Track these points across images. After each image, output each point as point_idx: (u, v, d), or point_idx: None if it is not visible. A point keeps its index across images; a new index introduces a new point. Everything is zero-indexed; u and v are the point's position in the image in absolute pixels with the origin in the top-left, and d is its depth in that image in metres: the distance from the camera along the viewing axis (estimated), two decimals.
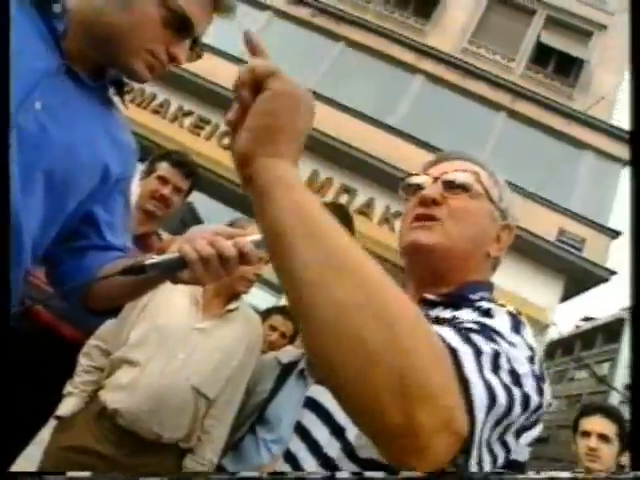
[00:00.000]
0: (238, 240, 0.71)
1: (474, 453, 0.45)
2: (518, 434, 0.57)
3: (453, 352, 0.45)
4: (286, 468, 0.73)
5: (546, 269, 7.36)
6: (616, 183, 8.36)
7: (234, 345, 1.66)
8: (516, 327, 0.60)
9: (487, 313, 0.63)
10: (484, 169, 0.84)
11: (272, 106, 0.46)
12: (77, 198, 0.86)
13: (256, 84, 0.47)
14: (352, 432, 0.66)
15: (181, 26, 0.83)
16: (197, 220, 7.39)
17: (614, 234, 7.80)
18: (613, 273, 7.50)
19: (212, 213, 7.27)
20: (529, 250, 6.85)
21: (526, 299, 6.56)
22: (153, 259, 0.71)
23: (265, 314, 2.58)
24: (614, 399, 22.75)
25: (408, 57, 9.03)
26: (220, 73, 8.12)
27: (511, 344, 0.55)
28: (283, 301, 6.57)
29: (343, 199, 7.71)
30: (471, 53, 9.35)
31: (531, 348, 0.58)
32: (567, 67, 9.41)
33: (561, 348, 28.64)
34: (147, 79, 0.87)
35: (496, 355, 0.52)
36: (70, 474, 0.57)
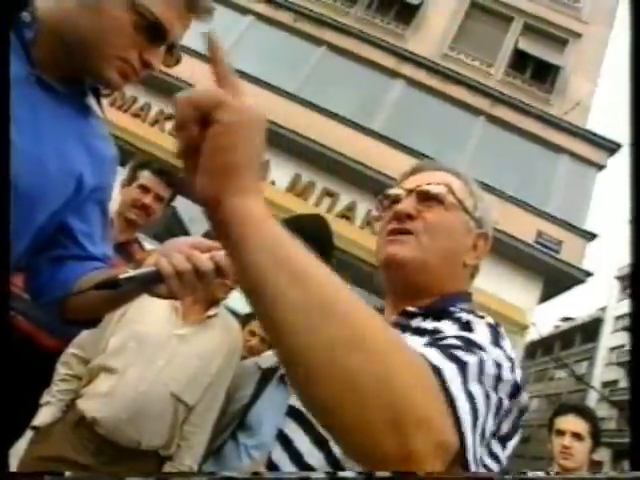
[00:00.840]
0: (214, 253, 0.70)
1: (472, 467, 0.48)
2: (503, 443, 0.60)
3: (437, 371, 0.47)
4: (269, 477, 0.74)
5: (525, 271, 7.51)
6: (592, 187, 8.58)
7: (213, 352, 1.67)
8: (496, 340, 0.61)
9: (467, 326, 0.64)
10: (459, 178, 0.85)
11: (227, 141, 0.42)
12: (48, 210, 0.84)
13: (203, 116, 0.42)
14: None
15: (154, 32, 0.80)
16: (179, 223, 7.33)
17: (590, 236, 7.99)
18: (589, 275, 7.69)
19: (195, 215, 7.22)
20: (508, 252, 6.98)
21: (505, 300, 6.68)
22: (128, 273, 0.70)
23: (245, 319, 2.58)
24: (592, 397, 23.23)
25: (389, 62, 9.13)
26: (200, 76, 8.11)
27: (491, 356, 0.57)
28: None
29: (325, 203, 7.75)
30: (451, 58, 9.50)
31: (510, 359, 0.60)
32: (544, 73, 9.63)
33: (541, 348, 29.13)
34: (120, 87, 0.84)
35: (480, 362, 0.55)
36: (68, 474, 0.57)
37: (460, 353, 0.53)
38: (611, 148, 8.76)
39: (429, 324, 0.70)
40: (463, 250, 0.81)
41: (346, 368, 0.39)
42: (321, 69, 9.04)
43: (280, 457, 0.73)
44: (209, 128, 0.42)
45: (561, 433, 2.12)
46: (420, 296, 0.77)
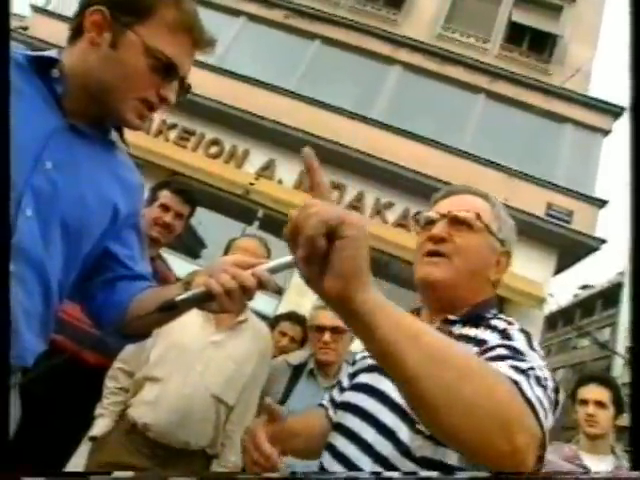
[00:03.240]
0: (256, 270, 0.76)
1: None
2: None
3: (516, 383, 0.63)
4: (338, 467, 0.86)
5: (538, 244, 7.51)
6: (598, 153, 8.51)
7: (246, 354, 1.78)
8: (530, 344, 0.76)
9: (505, 334, 0.80)
10: (487, 201, 0.99)
11: (353, 252, 0.52)
12: (92, 240, 0.94)
13: (329, 231, 0.52)
14: (404, 434, 0.80)
15: (167, 70, 0.90)
16: (189, 229, 7.47)
17: (601, 203, 7.96)
18: (603, 242, 7.67)
19: (205, 221, 7.34)
20: (519, 227, 6.89)
21: (521, 275, 6.71)
22: (183, 295, 0.77)
23: (274, 321, 2.71)
24: (618, 363, 23.04)
25: (384, 49, 9.11)
26: (199, 83, 8.18)
27: (535, 362, 0.71)
28: (284, 303, 6.69)
29: (334, 196, 7.81)
30: (446, 38, 9.44)
31: (543, 358, 0.75)
32: (541, 43, 9.52)
33: (562, 319, 28.93)
34: (139, 126, 0.93)
35: (534, 371, 0.69)
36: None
37: (517, 363, 0.69)
38: (615, 112, 8.66)
39: (470, 331, 0.85)
40: (488, 267, 0.94)
41: (463, 398, 0.55)
42: (317, 63, 9.06)
43: (346, 446, 0.87)
44: (336, 241, 0.52)
45: (585, 402, 2.20)
46: (453, 308, 0.91)
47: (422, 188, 6.87)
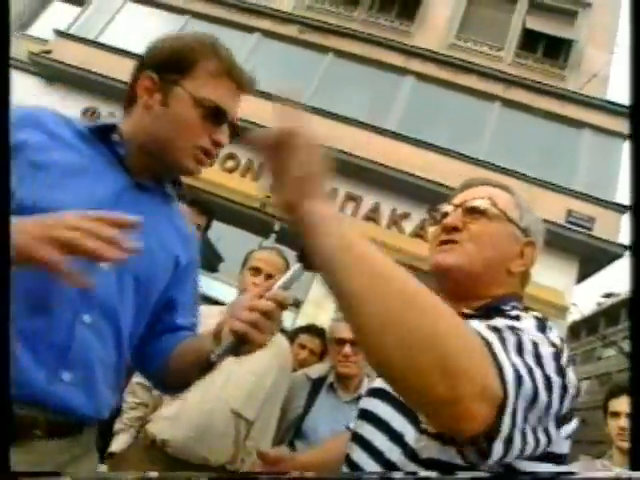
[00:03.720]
0: (270, 294, 0.78)
1: (505, 422, 0.53)
2: (558, 425, 0.64)
3: (485, 340, 0.56)
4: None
5: (559, 252, 7.37)
6: (619, 158, 8.33)
7: (266, 368, 1.76)
8: (541, 327, 0.68)
9: (516, 318, 0.71)
10: (506, 192, 0.93)
11: (301, 158, 0.58)
12: (159, 291, 0.99)
13: (278, 144, 0.59)
14: (410, 436, 0.75)
15: (216, 116, 0.96)
16: (207, 243, 7.52)
17: (623, 208, 7.78)
18: (627, 248, 7.48)
19: (222, 235, 7.39)
20: None
21: (542, 284, 6.58)
22: (218, 351, 0.80)
23: (293, 334, 2.69)
24: None
25: (397, 60, 9.14)
26: None
27: (534, 337, 0.64)
28: (301, 316, 6.66)
29: (349, 207, 7.81)
30: (459, 48, 9.43)
31: (554, 345, 0.65)
32: (556, 49, 9.44)
33: (585, 328, 28.27)
34: (199, 172, 1.00)
35: (519, 342, 0.61)
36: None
37: (501, 333, 0.62)
38: None
39: (484, 323, 0.77)
40: (508, 258, 0.87)
41: (401, 324, 0.49)
42: (330, 76, 9.12)
43: (360, 457, 0.82)
44: (289, 150, 0.58)
45: (616, 415, 2.11)
46: (469, 299, 0.84)
47: (439, 198, 6.76)
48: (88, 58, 8.83)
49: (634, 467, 0.51)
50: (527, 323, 0.68)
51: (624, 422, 2.06)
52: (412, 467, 0.72)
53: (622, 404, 2.11)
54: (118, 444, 1.65)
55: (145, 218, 0.91)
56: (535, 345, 0.62)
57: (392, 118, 8.61)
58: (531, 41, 9.48)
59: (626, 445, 2.05)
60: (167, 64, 0.95)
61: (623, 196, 8.11)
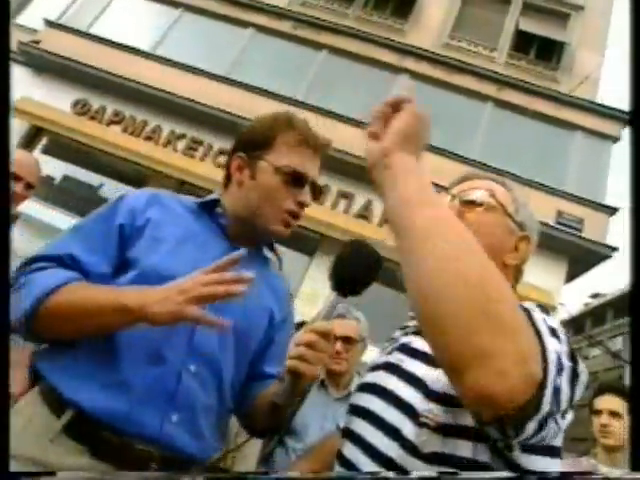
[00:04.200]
0: (308, 327, 0.87)
1: (546, 402, 0.51)
2: (563, 415, 0.62)
3: (527, 311, 0.56)
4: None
5: (548, 252, 7.44)
6: (608, 160, 8.44)
7: None
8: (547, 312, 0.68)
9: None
10: (504, 186, 0.93)
11: (409, 119, 0.66)
12: (255, 343, 1.09)
13: (395, 106, 0.68)
14: (408, 430, 0.71)
15: (298, 180, 1.08)
16: None
17: (611, 210, 7.88)
18: (614, 249, 7.58)
19: None
20: None
21: (531, 283, 6.64)
22: (279, 394, 0.88)
23: None
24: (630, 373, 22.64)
25: (391, 58, 9.15)
26: (209, 94, 8.25)
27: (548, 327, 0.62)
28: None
29: (342, 204, 7.81)
30: (453, 47, 9.47)
31: (562, 333, 0.64)
32: (549, 51, 9.52)
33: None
34: (287, 234, 1.10)
35: (552, 328, 0.61)
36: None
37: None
38: (624, 119, 8.60)
39: None
40: (504, 250, 0.87)
41: (457, 265, 0.52)
42: (324, 73, 9.11)
43: (352, 453, 0.79)
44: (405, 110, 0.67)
45: (599, 412, 2.15)
46: None
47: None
48: (79, 49, 8.73)
49: (634, 467, 0.51)
50: (534, 314, 0.66)
51: (605, 419, 2.10)
52: (413, 462, 0.69)
53: (604, 402, 2.16)
54: None
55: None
56: (553, 330, 0.62)
57: None
58: (524, 42, 9.55)
59: (607, 442, 2.09)
60: (252, 143, 1.10)
61: (612, 198, 8.21)
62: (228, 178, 1.15)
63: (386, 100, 0.68)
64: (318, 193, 1.13)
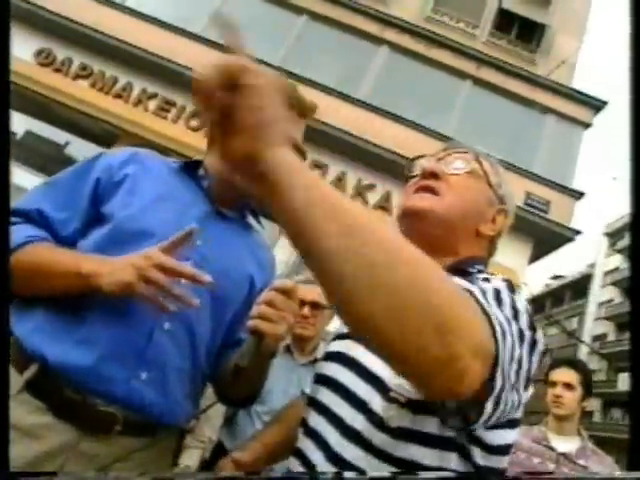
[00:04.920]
0: (274, 284, 0.86)
1: (498, 379, 0.51)
2: (526, 386, 0.62)
3: (468, 291, 0.53)
4: (307, 443, 0.78)
5: (514, 232, 7.61)
6: (578, 145, 8.63)
7: None
8: (511, 289, 0.65)
9: (485, 280, 0.69)
10: (487, 160, 0.91)
11: (256, 101, 0.46)
12: (234, 308, 1.08)
13: (229, 82, 0.47)
14: (377, 404, 0.71)
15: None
16: None
17: (578, 195, 8.10)
18: (578, 233, 7.83)
19: None
20: None
21: (496, 262, 6.82)
22: (242, 356, 0.84)
23: None
24: (583, 351, 23.96)
25: (372, 28, 8.97)
26: (182, 53, 7.92)
27: (506, 292, 0.63)
28: None
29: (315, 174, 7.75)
30: (435, 21, 9.35)
31: (524, 306, 0.64)
32: (529, 32, 9.53)
33: (533, 307, 29.68)
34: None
35: (497, 292, 0.61)
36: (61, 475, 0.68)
37: (477, 284, 0.61)
38: (597, 106, 8.78)
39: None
40: (481, 218, 0.85)
41: (389, 283, 0.43)
42: (303, 39, 8.87)
43: (318, 422, 0.78)
44: (237, 92, 0.46)
45: (553, 384, 2.25)
46: (435, 252, 0.73)
47: (404, 171, 6.83)
48: None
49: (634, 467, 0.51)
50: (498, 283, 0.66)
51: (559, 390, 2.22)
52: (379, 435, 0.69)
53: (559, 375, 2.28)
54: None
55: (222, 242, 1.06)
56: (512, 298, 0.61)
57: (363, 87, 8.51)
58: (506, 22, 9.52)
59: (559, 411, 2.22)
60: None
61: (579, 183, 8.43)
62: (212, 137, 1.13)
63: (208, 73, 0.48)
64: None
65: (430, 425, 0.67)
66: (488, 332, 0.50)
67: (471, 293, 0.54)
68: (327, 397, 0.79)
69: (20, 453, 0.83)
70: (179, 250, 0.87)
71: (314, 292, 1.98)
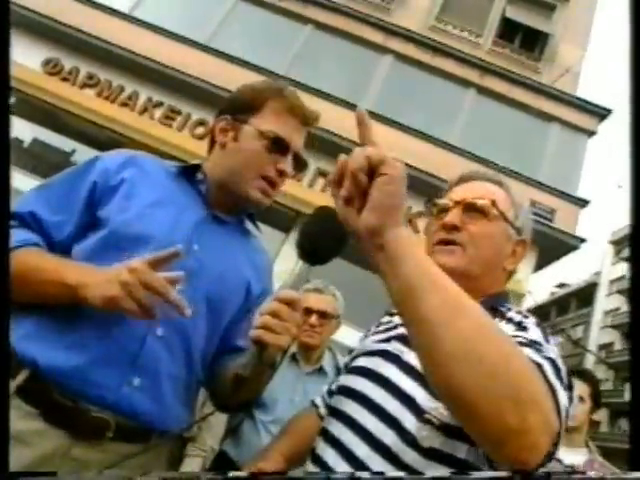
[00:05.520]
0: (277, 294, 0.84)
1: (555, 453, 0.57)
2: None
3: (539, 366, 0.59)
4: (329, 451, 0.81)
5: None
6: (583, 153, 8.61)
7: None
8: (545, 336, 0.73)
9: (521, 327, 0.76)
10: (502, 188, 0.94)
11: (391, 188, 0.58)
12: (230, 314, 1.07)
13: (370, 169, 0.58)
14: (409, 422, 0.74)
15: (280, 147, 1.05)
16: None
17: (583, 203, 8.07)
18: (583, 241, 7.79)
19: None
20: None
21: None
22: (242, 363, 0.85)
23: None
24: (589, 360, 23.73)
25: (376, 37, 9.02)
26: (188, 62, 7.99)
27: (550, 351, 0.68)
28: None
29: (319, 183, 7.76)
30: (439, 30, 9.39)
31: (558, 352, 0.71)
32: (533, 41, 9.55)
33: (538, 315, 29.55)
34: (265, 202, 1.08)
35: (553, 362, 0.66)
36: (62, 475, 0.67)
37: (535, 351, 0.66)
38: (601, 114, 8.77)
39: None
40: (503, 257, 0.90)
41: (476, 353, 0.51)
42: (308, 48, 8.93)
43: (342, 432, 0.81)
44: (376, 178, 0.58)
45: None
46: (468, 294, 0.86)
47: (409, 180, 6.82)
48: (52, 4, 8.28)
49: (634, 467, 0.52)
50: (535, 334, 0.72)
51: None
52: (410, 453, 0.73)
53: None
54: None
55: (219, 247, 1.05)
56: (559, 369, 0.66)
57: (368, 96, 8.54)
58: (510, 31, 9.56)
59: (568, 424, 2.16)
60: (239, 106, 1.08)
61: (583, 190, 8.41)
62: (212, 142, 1.13)
63: (355, 158, 0.58)
64: (301, 165, 1.11)
65: (460, 450, 0.71)
66: (554, 408, 0.56)
67: (540, 367, 0.59)
68: (352, 408, 0.82)
69: (12, 459, 0.83)
70: (166, 266, 0.84)
71: (323, 301, 1.98)
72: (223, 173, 1.07)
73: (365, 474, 0.70)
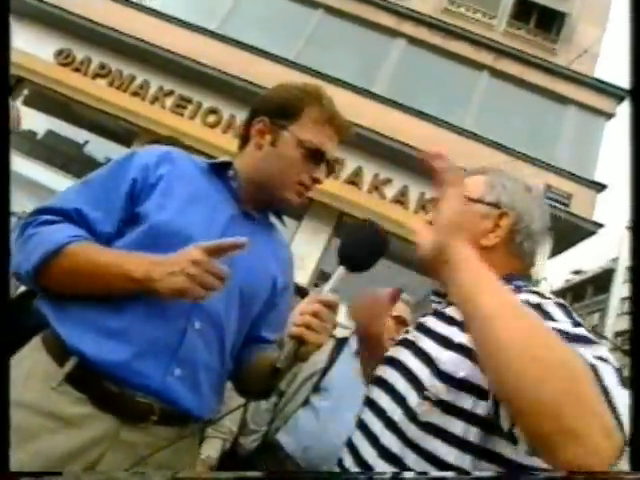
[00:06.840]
0: (319, 296, 0.88)
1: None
2: None
3: (593, 367, 0.59)
4: (358, 435, 0.90)
5: None
6: (600, 137, 8.42)
7: None
8: (571, 318, 0.71)
9: (541, 311, 0.72)
10: (481, 174, 0.98)
11: (459, 206, 0.69)
12: (258, 306, 1.12)
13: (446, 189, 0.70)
14: (412, 399, 0.82)
15: (316, 156, 1.11)
16: None
17: (600, 187, 7.91)
18: (600, 226, 7.66)
19: None
20: None
21: None
22: (281, 357, 0.88)
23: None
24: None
25: (389, 21, 8.87)
26: (198, 50, 7.96)
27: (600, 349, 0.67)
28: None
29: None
30: (452, 13, 9.20)
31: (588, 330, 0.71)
32: (549, 21, 9.31)
33: None
34: (299, 203, 1.14)
35: (609, 364, 0.64)
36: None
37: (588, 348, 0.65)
38: (620, 95, 8.54)
39: None
40: (477, 236, 0.89)
41: (539, 359, 0.55)
42: (319, 33, 8.83)
43: (367, 416, 0.91)
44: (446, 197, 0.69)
45: None
46: None
47: (421, 165, 6.75)
48: None
49: (634, 467, 0.52)
50: (561, 321, 0.70)
51: None
52: (412, 427, 0.80)
53: None
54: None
55: (251, 243, 1.06)
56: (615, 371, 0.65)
57: (380, 81, 8.44)
58: (524, 11, 9.32)
59: None
60: (278, 111, 1.11)
61: (601, 174, 8.24)
62: (245, 139, 1.16)
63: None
64: (331, 171, 1.17)
65: (455, 426, 0.76)
66: (612, 418, 0.56)
67: (596, 372, 0.59)
68: (376, 394, 0.92)
69: (62, 443, 0.87)
70: (221, 254, 0.90)
71: (399, 307, 1.99)
72: (259, 174, 1.11)
73: (409, 474, 0.76)
